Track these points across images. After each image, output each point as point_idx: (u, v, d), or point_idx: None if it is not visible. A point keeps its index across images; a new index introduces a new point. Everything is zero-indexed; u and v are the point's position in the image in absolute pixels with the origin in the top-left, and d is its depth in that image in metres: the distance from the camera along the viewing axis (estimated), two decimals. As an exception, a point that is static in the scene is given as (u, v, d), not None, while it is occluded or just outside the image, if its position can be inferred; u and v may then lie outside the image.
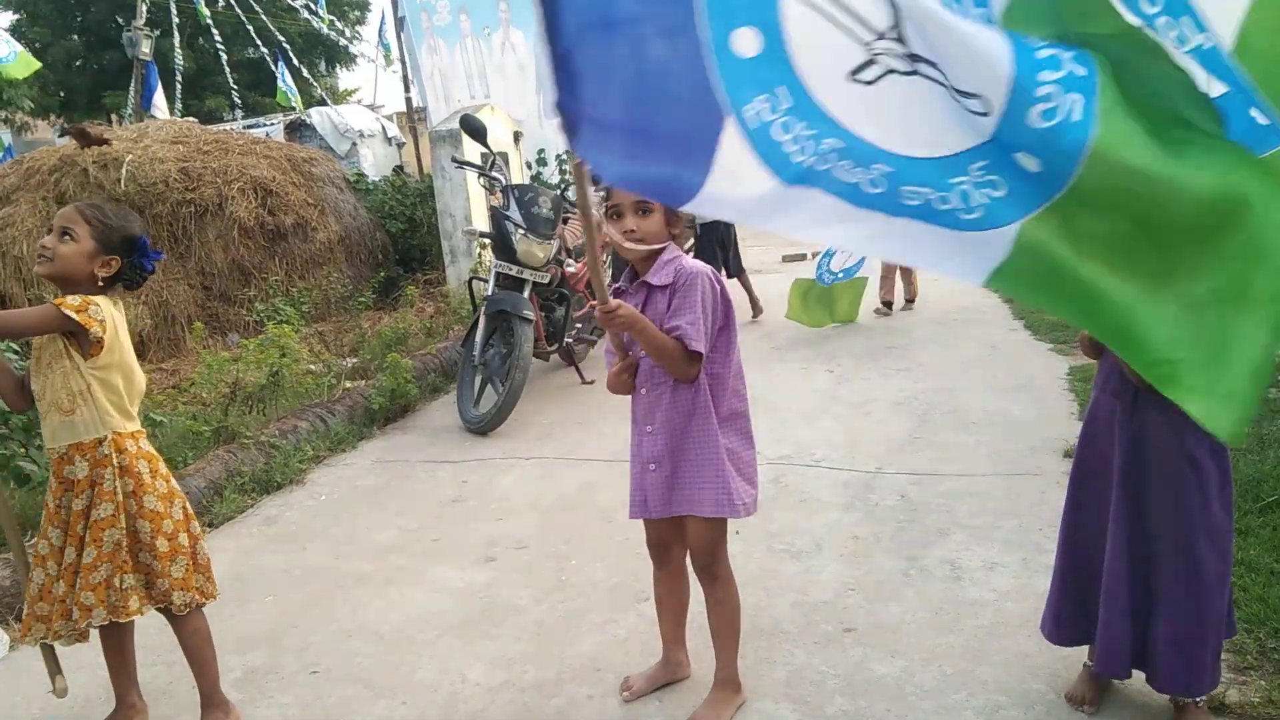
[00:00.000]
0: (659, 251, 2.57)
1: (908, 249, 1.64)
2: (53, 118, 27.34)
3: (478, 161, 6.77)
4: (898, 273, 7.89)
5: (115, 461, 2.61)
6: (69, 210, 2.67)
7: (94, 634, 2.71)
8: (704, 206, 1.78)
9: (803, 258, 11.06)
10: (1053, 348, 6.35)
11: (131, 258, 2.71)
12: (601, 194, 2.62)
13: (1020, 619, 3.01)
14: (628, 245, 2.53)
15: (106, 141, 8.63)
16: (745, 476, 2.62)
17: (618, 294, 2.61)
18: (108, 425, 2.62)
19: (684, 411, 2.56)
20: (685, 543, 2.75)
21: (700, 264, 2.58)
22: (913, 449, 4.71)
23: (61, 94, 26.67)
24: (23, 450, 4.24)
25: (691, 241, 7.73)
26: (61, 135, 18.52)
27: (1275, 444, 4.04)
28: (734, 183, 1.69)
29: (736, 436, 2.62)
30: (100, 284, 2.67)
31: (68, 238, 2.61)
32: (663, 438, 2.58)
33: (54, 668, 2.76)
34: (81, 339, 2.58)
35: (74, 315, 2.52)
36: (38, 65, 11.61)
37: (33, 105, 22.00)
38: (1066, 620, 2.59)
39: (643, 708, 2.77)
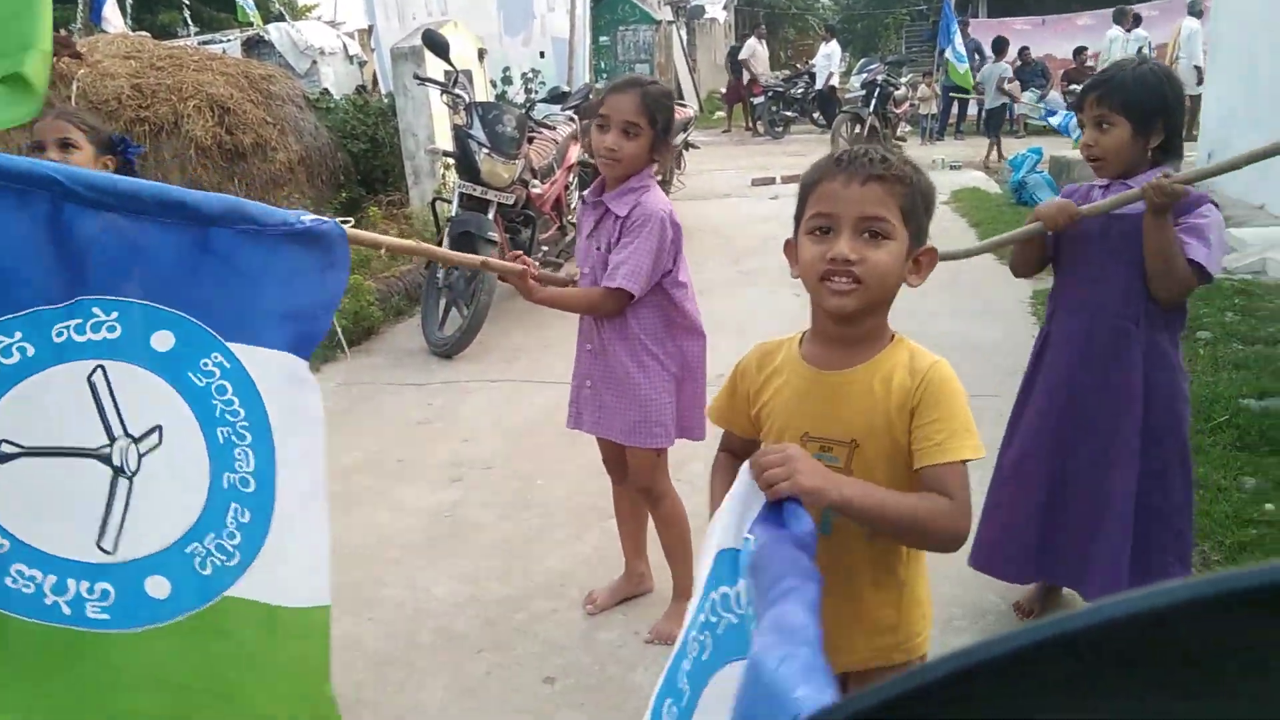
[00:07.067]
0: (631, 175, 2.55)
1: None
2: (-3, 32, 26.33)
3: (440, 79, 6.59)
4: None
5: None
6: (57, 123, 2.70)
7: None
8: None
9: (771, 182, 10.95)
10: (1016, 272, 6.37)
11: (120, 156, 2.83)
12: (570, 109, 2.56)
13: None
14: (603, 162, 2.53)
15: (79, 55, 8.27)
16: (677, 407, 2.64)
17: (583, 205, 2.66)
18: None
19: (616, 336, 2.59)
20: None
21: (662, 203, 2.54)
22: (876, 371, 4.74)
23: (6, 7, 25.67)
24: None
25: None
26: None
27: (1229, 366, 4.12)
28: None
29: (678, 368, 2.63)
30: None
31: (72, 149, 2.68)
32: (599, 359, 2.64)
33: None
34: None
35: None
36: None
37: (-24, 18, 21.19)
38: (1020, 555, 2.56)
39: (606, 620, 2.82)
